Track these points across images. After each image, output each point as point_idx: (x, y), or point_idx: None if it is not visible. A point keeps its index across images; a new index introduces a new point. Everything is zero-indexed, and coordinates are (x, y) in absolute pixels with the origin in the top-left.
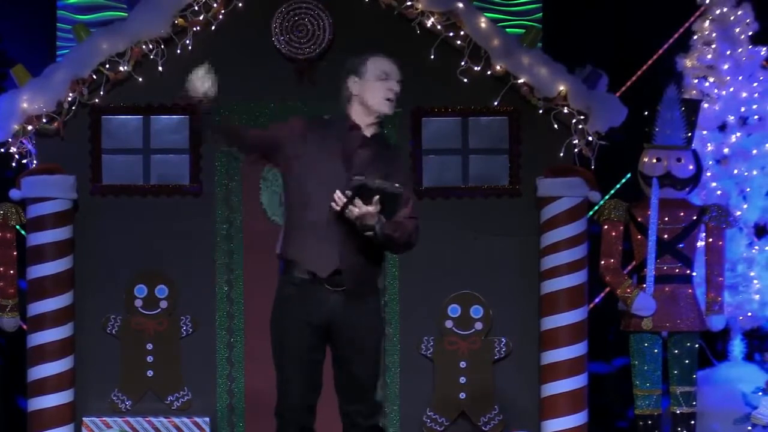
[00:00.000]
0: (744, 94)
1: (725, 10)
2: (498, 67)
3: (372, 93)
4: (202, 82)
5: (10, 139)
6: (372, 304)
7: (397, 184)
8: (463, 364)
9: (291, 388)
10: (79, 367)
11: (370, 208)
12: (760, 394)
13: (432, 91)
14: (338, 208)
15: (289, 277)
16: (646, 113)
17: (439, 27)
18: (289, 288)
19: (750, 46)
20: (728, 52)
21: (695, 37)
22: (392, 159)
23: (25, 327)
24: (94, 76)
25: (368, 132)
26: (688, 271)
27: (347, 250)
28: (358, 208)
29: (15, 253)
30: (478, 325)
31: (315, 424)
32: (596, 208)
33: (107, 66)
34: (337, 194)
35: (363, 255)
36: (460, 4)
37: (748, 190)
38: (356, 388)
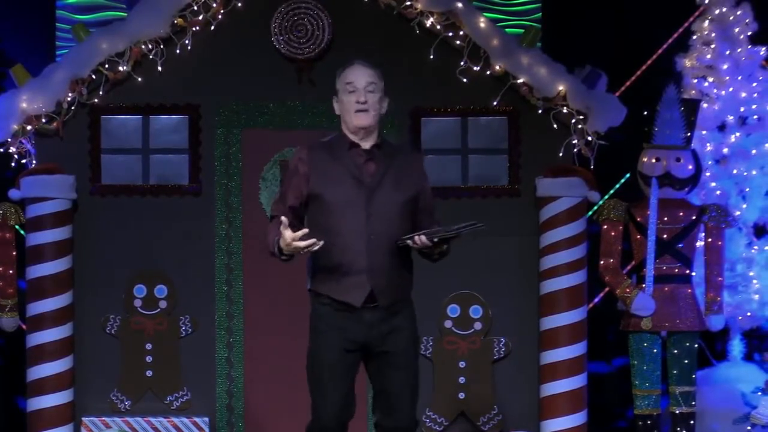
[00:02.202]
0: (743, 94)
1: (724, 10)
2: (497, 67)
3: (345, 109)
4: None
5: (9, 139)
6: (407, 318)
7: (479, 223)
8: (462, 364)
9: (326, 408)
10: (79, 367)
11: (447, 245)
12: (760, 393)
13: (431, 91)
14: (414, 246)
15: (320, 298)
16: (645, 113)
17: (438, 27)
18: (321, 307)
19: (749, 46)
20: (727, 52)
21: (694, 37)
22: (406, 162)
23: (24, 327)
24: (94, 76)
25: (367, 144)
26: (688, 271)
27: (378, 276)
28: (440, 249)
29: (14, 253)
30: (478, 325)
31: None
32: (595, 208)
33: (107, 66)
34: (422, 239)
35: (394, 273)
36: (460, 4)
37: (747, 190)
38: (395, 401)
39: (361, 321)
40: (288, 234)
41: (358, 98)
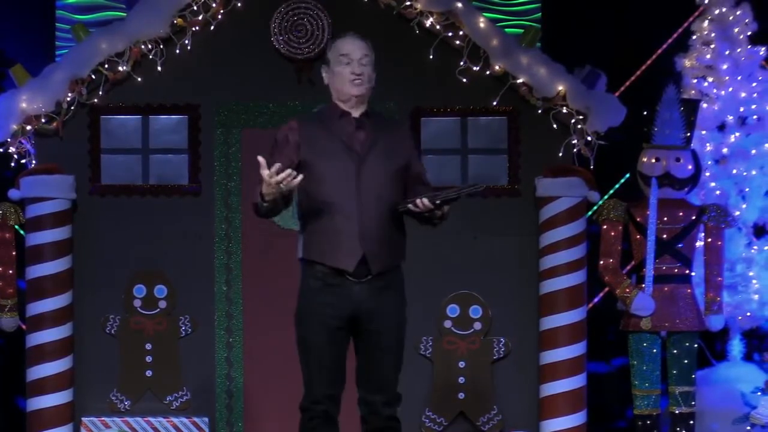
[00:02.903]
0: (743, 94)
1: (724, 10)
2: (497, 67)
3: (338, 79)
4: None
5: (9, 139)
6: (396, 293)
7: (478, 184)
8: (462, 364)
9: (316, 383)
10: (78, 367)
11: (448, 207)
12: (759, 393)
13: (431, 91)
14: (416, 210)
15: (312, 270)
16: (645, 113)
17: (438, 27)
18: (312, 281)
19: (749, 46)
20: (727, 52)
21: (694, 37)
22: (395, 132)
23: (24, 327)
24: (93, 76)
25: (356, 113)
26: (687, 271)
27: (370, 241)
28: (441, 210)
29: (14, 253)
30: (477, 325)
31: (339, 414)
32: (595, 207)
33: (106, 66)
34: (425, 202)
35: (386, 239)
36: (459, 4)
37: (747, 190)
38: (379, 378)
39: (351, 296)
40: (265, 173)
41: (354, 70)
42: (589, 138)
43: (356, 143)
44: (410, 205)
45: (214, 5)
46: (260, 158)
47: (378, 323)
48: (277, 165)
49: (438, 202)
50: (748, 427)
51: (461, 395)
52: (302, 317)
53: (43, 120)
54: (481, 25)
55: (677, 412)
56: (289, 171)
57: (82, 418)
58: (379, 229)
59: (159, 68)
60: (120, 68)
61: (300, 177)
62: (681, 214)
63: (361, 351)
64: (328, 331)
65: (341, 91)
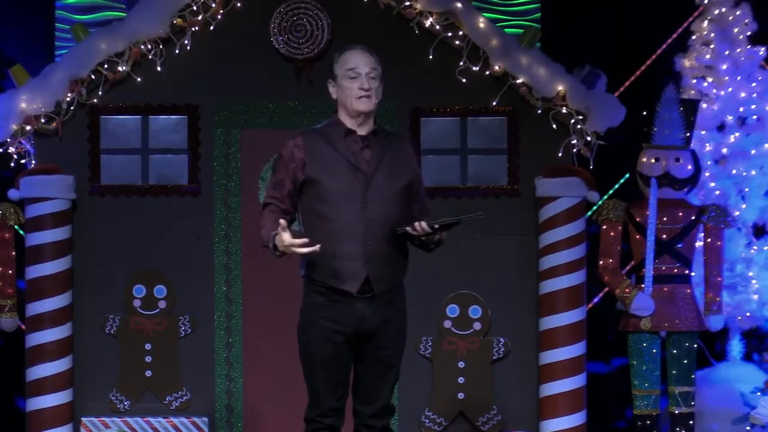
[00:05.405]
0: (742, 94)
1: (724, 10)
2: (497, 67)
3: (346, 94)
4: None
5: (8, 140)
6: (398, 309)
7: (479, 212)
8: (461, 364)
9: (323, 396)
10: (78, 367)
11: (445, 234)
12: (759, 394)
13: (431, 91)
14: (414, 233)
15: (314, 286)
16: (644, 113)
17: (437, 27)
18: (316, 297)
19: (748, 46)
20: (727, 52)
21: (694, 37)
22: (400, 149)
23: (23, 327)
24: (93, 77)
25: (363, 131)
26: (687, 271)
27: (374, 263)
28: (439, 236)
29: (13, 253)
30: (477, 325)
31: (343, 424)
32: (595, 208)
33: (106, 66)
34: (423, 226)
35: (389, 260)
36: (459, 4)
37: (746, 190)
38: (375, 391)
39: (354, 313)
40: (287, 239)
41: (362, 85)
42: (588, 138)
43: (362, 162)
44: (408, 228)
45: (213, 5)
46: (282, 221)
47: (380, 338)
48: (304, 240)
49: (436, 226)
50: (748, 428)
51: (461, 395)
52: (306, 331)
53: (42, 120)
54: (481, 25)
55: (677, 412)
56: (313, 249)
57: (82, 418)
58: (384, 249)
59: (158, 68)
60: (119, 68)
61: (318, 247)
62: (680, 214)
63: (360, 363)
64: (333, 345)
65: (348, 107)
